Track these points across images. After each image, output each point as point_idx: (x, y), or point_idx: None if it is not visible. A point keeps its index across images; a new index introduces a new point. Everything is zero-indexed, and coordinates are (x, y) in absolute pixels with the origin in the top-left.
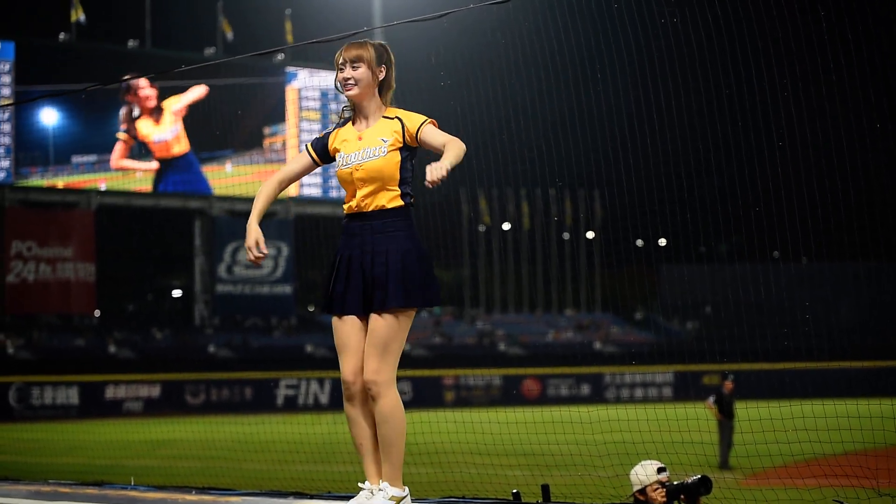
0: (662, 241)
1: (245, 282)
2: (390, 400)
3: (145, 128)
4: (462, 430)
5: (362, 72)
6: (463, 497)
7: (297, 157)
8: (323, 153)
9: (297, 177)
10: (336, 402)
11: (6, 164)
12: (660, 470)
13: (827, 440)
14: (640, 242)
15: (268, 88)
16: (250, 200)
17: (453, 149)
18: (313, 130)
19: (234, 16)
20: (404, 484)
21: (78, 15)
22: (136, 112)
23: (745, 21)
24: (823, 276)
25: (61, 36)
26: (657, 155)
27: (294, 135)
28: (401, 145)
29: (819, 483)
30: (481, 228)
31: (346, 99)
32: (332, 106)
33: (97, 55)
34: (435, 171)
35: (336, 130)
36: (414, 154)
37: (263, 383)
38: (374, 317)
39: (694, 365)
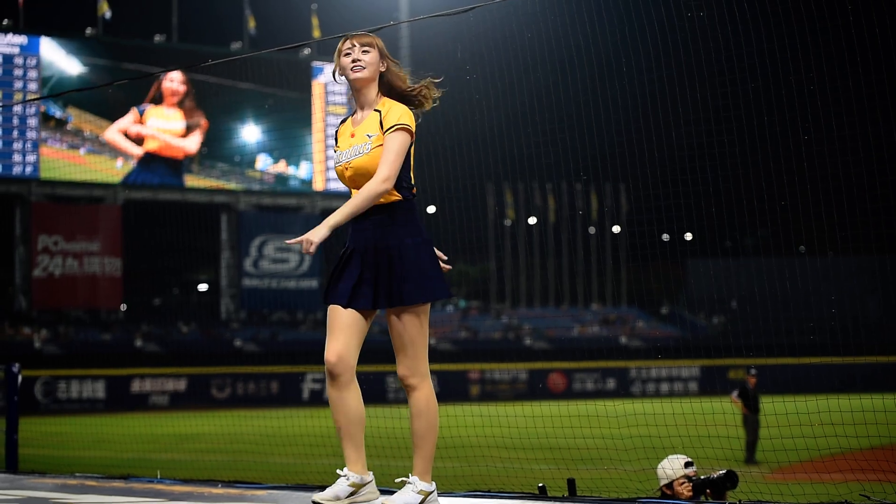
0: (688, 236)
1: (271, 276)
2: (425, 394)
3: (157, 116)
4: (488, 424)
5: (372, 56)
6: (489, 491)
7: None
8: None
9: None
10: (362, 396)
11: (33, 158)
12: (687, 464)
13: (853, 435)
14: (665, 237)
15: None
16: (276, 194)
17: (353, 200)
18: (339, 124)
19: (260, 11)
20: (432, 479)
21: (104, 10)
22: (158, 99)
23: (773, 14)
24: (850, 270)
25: (88, 30)
26: (682, 149)
27: (320, 129)
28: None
29: (846, 478)
30: (507, 223)
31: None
32: None
33: (123, 50)
34: (305, 243)
35: (340, 127)
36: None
37: (289, 377)
38: (393, 317)
39: (720, 359)
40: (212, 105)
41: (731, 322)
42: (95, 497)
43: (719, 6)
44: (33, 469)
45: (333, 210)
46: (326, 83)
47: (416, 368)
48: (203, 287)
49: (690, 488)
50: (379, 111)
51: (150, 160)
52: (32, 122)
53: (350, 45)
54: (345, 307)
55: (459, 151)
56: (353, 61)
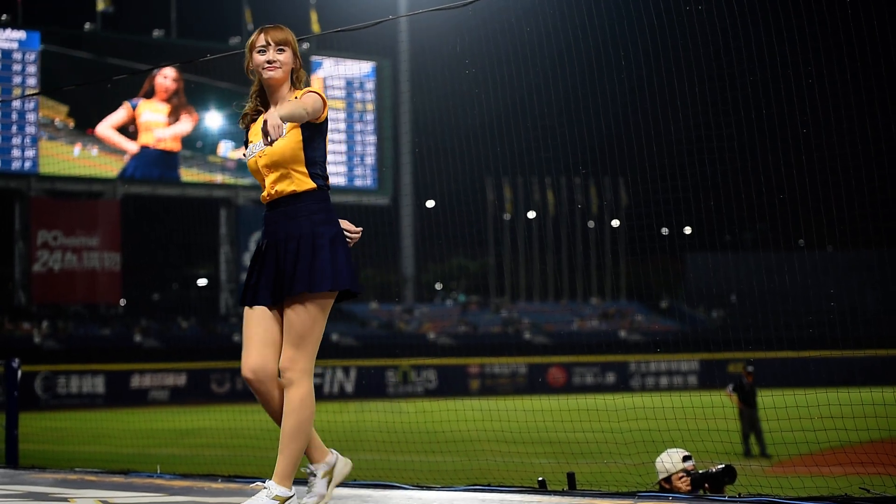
0: (687, 230)
1: None
2: (302, 391)
3: (150, 110)
4: (488, 419)
5: (287, 56)
6: (489, 485)
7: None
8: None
9: None
10: (361, 391)
11: (32, 153)
12: (685, 458)
13: (853, 428)
14: (665, 231)
15: None
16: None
17: (296, 102)
18: (338, 119)
19: (259, 6)
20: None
21: (103, 5)
22: (150, 93)
23: (771, 7)
24: (849, 264)
25: (87, 26)
26: (681, 143)
27: None
28: (301, 122)
29: (845, 471)
30: (506, 217)
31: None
32: (357, 95)
33: (122, 45)
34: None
35: (250, 127)
36: (320, 132)
37: None
38: (287, 307)
39: (719, 353)
40: (204, 100)
41: (730, 316)
42: (95, 492)
43: None
44: (33, 464)
45: (333, 204)
46: (325, 77)
47: (298, 362)
48: (202, 282)
49: (689, 482)
50: (295, 98)
51: (145, 154)
52: (31, 117)
53: (264, 43)
54: (251, 306)
55: (459, 146)
56: (268, 61)
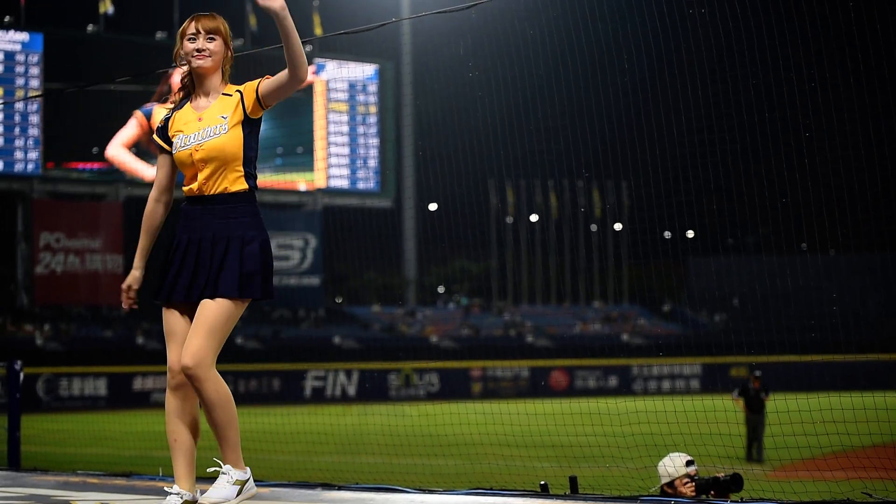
0: (690, 233)
1: (273, 273)
2: (213, 383)
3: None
4: (490, 422)
5: (217, 45)
6: (491, 488)
7: (160, 161)
8: (169, 142)
9: (173, 179)
10: (363, 394)
11: (34, 155)
12: (688, 463)
13: (855, 432)
14: (667, 234)
15: None
16: (277, 192)
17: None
18: (341, 122)
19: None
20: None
21: (106, 7)
22: (165, 96)
23: (774, 11)
24: (851, 267)
25: (90, 27)
26: (684, 146)
27: (322, 126)
28: (242, 119)
29: (847, 476)
30: (509, 220)
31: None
32: (360, 98)
33: (125, 46)
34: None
35: (174, 115)
36: (256, 129)
37: (291, 374)
38: (204, 301)
39: (721, 357)
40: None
41: (732, 320)
42: (97, 494)
43: (720, 2)
44: (35, 466)
45: (335, 207)
46: (328, 80)
47: (203, 358)
48: None
49: (693, 488)
50: (230, 94)
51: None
52: (34, 119)
53: (194, 31)
54: (166, 304)
55: (461, 148)
56: (197, 49)
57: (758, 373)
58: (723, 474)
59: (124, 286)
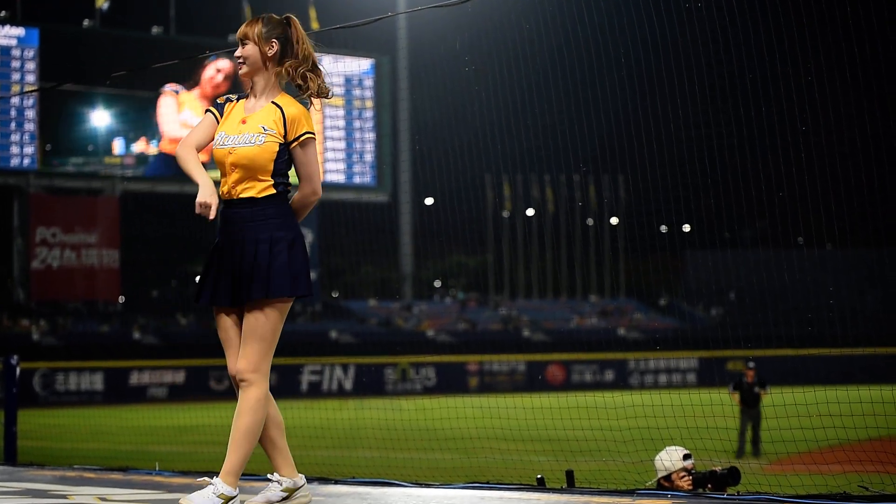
0: (686, 227)
1: None
2: (259, 392)
3: (191, 109)
4: (486, 416)
5: (249, 49)
6: (487, 482)
7: (204, 122)
8: (218, 120)
9: (207, 142)
10: (360, 389)
11: (31, 150)
12: (685, 457)
13: (852, 426)
14: (664, 228)
15: None
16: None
17: (306, 209)
18: (337, 116)
19: (258, 2)
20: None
21: (102, 2)
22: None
23: (770, 4)
24: (848, 261)
25: (86, 22)
26: (681, 140)
27: (318, 120)
28: (281, 141)
29: (844, 469)
30: (505, 214)
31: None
32: (356, 92)
33: (121, 42)
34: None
35: (234, 103)
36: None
37: (287, 369)
38: (248, 310)
39: (718, 351)
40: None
41: (729, 313)
42: (94, 489)
43: None
44: (32, 461)
45: (331, 201)
46: (324, 74)
47: (257, 365)
48: None
49: (690, 481)
50: (279, 107)
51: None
52: (30, 113)
53: (236, 40)
54: (213, 306)
55: (458, 143)
56: (237, 58)
57: (751, 364)
58: (720, 468)
59: (206, 201)
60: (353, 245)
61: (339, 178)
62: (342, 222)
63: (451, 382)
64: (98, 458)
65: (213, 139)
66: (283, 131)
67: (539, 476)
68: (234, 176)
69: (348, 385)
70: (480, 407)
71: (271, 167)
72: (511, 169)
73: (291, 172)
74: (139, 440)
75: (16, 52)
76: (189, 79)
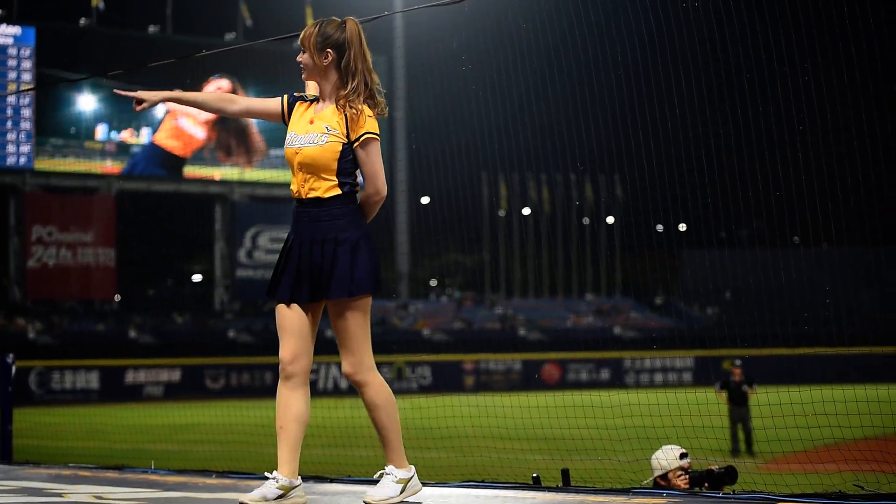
0: (683, 226)
1: (265, 267)
2: (375, 386)
3: (188, 118)
4: (482, 415)
5: (305, 57)
6: (483, 481)
7: (271, 100)
8: (289, 115)
9: (258, 115)
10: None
11: (27, 149)
12: (682, 456)
13: (847, 425)
14: (660, 227)
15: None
16: (271, 185)
17: (371, 208)
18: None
19: (255, 1)
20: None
21: (99, 0)
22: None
23: (767, 4)
24: (844, 261)
25: (82, 21)
26: (678, 140)
27: None
28: (344, 140)
29: (839, 468)
30: (501, 213)
31: None
32: None
33: (118, 40)
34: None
35: (306, 104)
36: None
37: None
38: (331, 311)
39: (714, 350)
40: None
41: (725, 313)
42: (89, 487)
43: None
44: (27, 459)
45: None
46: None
47: (360, 364)
48: (197, 278)
49: (687, 480)
50: (343, 109)
51: (154, 151)
52: (26, 112)
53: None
54: (287, 303)
55: (454, 142)
56: (298, 63)
57: (738, 362)
58: (717, 467)
59: (141, 95)
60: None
61: None
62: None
63: (446, 381)
64: (94, 457)
65: (265, 111)
66: (345, 131)
67: (534, 475)
68: (302, 176)
69: (343, 384)
70: (476, 406)
71: (335, 167)
72: (507, 167)
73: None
74: (135, 439)
75: (12, 51)
76: (193, 88)
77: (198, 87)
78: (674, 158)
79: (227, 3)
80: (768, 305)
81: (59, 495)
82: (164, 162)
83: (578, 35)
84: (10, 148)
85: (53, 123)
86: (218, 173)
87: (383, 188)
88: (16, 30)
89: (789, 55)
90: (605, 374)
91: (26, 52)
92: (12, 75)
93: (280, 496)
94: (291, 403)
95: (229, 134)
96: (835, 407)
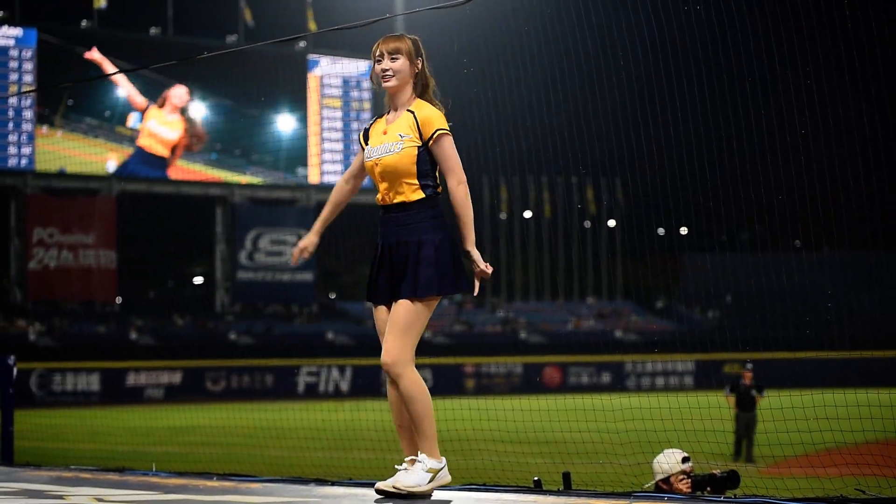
0: (684, 230)
1: (266, 269)
2: (410, 379)
3: (157, 120)
4: (483, 418)
5: (401, 63)
6: (484, 484)
7: (358, 156)
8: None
9: (359, 171)
10: (356, 390)
11: (28, 151)
12: (684, 459)
13: (848, 429)
14: (661, 231)
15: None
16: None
17: (467, 219)
18: (334, 118)
19: (256, 3)
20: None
21: (100, 2)
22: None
23: (769, 8)
24: (845, 264)
25: (83, 23)
26: (679, 144)
27: (316, 122)
28: (419, 143)
29: (841, 472)
30: (502, 216)
31: (370, 89)
32: (354, 94)
33: (119, 42)
34: (485, 273)
35: (374, 122)
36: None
37: (284, 370)
38: (395, 303)
39: (715, 354)
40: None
41: (726, 316)
42: (90, 489)
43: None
44: (28, 461)
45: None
46: (322, 76)
47: (399, 355)
48: (198, 280)
49: (689, 484)
50: (412, 112)
51: (141, 155)
52: (28, 114)
53: (380, 54)
54: (388, 306)
55: (456, 144)
56: (383, 70)
57: (749, 365)
58: (719, 471)
59: (300, 245)
60: (349, 246)
61: (336, 179)
62: (339, 223)
63: (447, 384)
64: (94, 459)
65: (362, 165)
66: (418, 134)
67: (536, 478)
68: (384, 185)
69: (345, 386)
70: (477, 409)
71: (415, 170)
72: (508, 171)
73: None
74: (136, 441)
75: (13, 53)
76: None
77: (158, 98)
78: (675, 162)
79: (227, 4)
80: (770, 309)
81: (61, 497)
82: (149, 161)
83: (580, 39)
84: (12, 150)
85: (88, 103)
86: (213, 174)
87: (462, 175)
88: (17, 31)
89: (791, 59)
90: (606, 378)
91: (27, 53)
92: (13, 77)
93: (431, 478)
94: (403, 405)
95: (193, 127)
96: (836, 411)
